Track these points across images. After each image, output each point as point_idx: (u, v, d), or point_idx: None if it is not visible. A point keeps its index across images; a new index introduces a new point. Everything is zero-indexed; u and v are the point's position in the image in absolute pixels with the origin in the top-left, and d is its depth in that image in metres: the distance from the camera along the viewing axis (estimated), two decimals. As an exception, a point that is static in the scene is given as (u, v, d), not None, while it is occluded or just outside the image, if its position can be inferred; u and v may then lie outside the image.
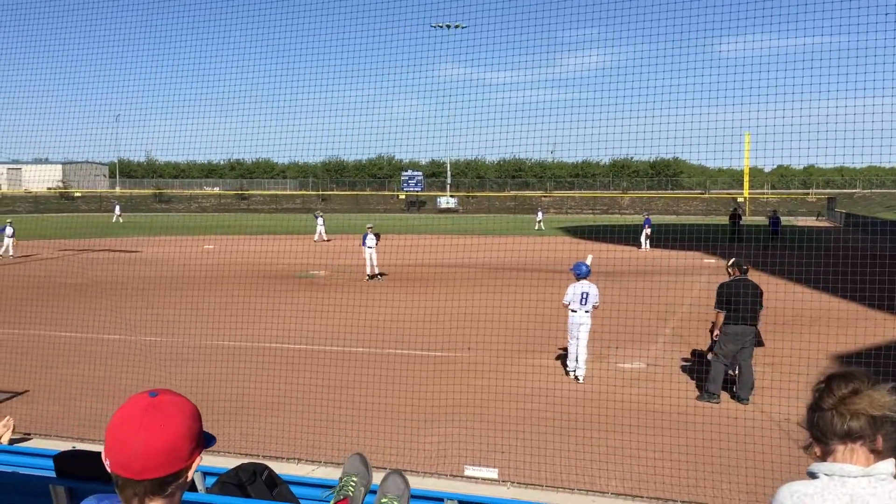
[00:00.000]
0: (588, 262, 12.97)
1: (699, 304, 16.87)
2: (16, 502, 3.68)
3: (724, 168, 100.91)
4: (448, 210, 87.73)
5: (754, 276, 11.24)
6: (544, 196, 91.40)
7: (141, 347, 13.45)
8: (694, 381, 11.61)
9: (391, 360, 12.69)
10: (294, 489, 3.71)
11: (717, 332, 10.72)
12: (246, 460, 4.78)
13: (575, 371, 11.72)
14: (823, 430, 2.31)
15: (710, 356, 10.86)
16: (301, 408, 9.65)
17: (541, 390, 10.80)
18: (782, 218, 48.15)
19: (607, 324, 13.03)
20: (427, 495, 3.94)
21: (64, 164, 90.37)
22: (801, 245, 29.60)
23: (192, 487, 3.58)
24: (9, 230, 31.96)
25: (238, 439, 8.59)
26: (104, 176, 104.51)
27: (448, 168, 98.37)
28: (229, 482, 3.53)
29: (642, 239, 37.88)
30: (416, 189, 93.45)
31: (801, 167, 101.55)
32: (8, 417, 8.36)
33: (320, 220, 42.44)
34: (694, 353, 13.19)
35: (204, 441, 2.00)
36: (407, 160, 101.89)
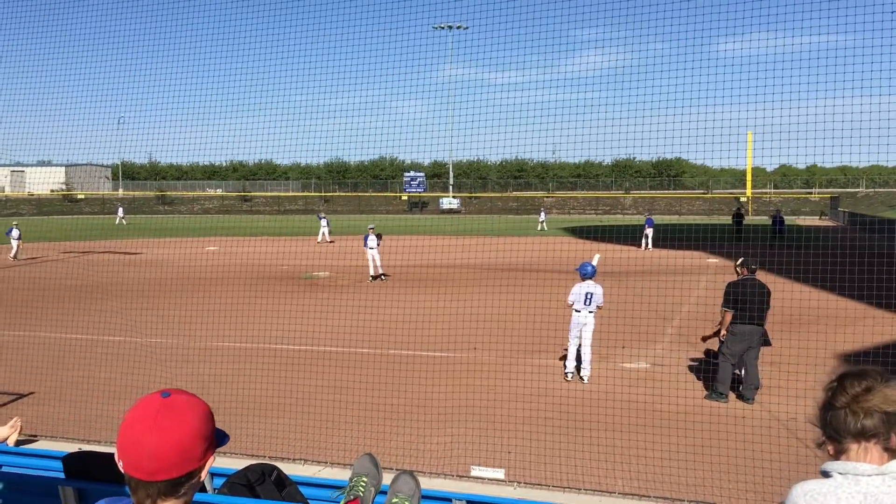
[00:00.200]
0: (595, 261, 12.94)
1: (703, 304, 16.86)
2: (25, 503, 3.68)
3: (727, 168, 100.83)
4: (450, 211, 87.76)
5: (758, 275, 11.21)
6: (547, 196, 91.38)
7: (145, 349, 13.45)
8: (699, 381, 11.60)
9: (396, 360, 12.68)
10: (302, 489, 3.70)
11: (724, 331, 10.70)
12: (253, 461, 4.78)
13: (571, 373, 11.62)
14: (837, 429, 2.30)
15: (720, 357, 10.82)
16: (307, 409, 9.65)
17: (546, 390, 10.80)
18: (786, 218, 48.10)
19: (611, 324, 13.02)
20: (434, 495, 3.94)
21: (67, 166, 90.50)
22: (805, 244, 29.56)
23: (202, 488, 3.58)
24: (15, 232, 32.05)
25: (244, 440, 8.59)
26: (107, 178, 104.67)
27: (450, 169, 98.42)
28: (238, 483, 3.52)
29: (644, 240, 37.90)
30: (418, 190, 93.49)
31: (804, 166, 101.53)
32: (16, 418, 8.36)
33: (324, 222, 42.39)
34: (708, 352, 13.14)
35: (217, 440, 1.99)
36: (409, 161, 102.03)
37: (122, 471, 1.86)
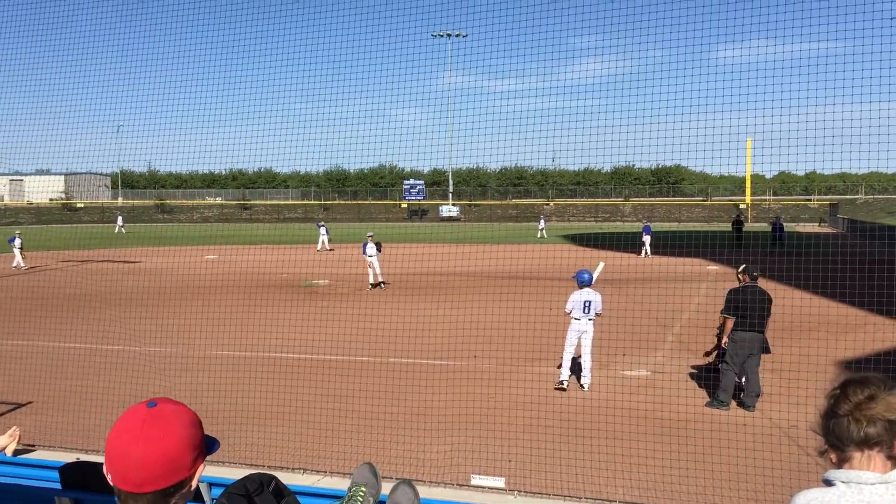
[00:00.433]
0: (599, 269, 12.92)
1: (703, 312, 16.84)
2: (21, 514, 3.65)
3: (726, 175, 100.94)
4: (450, 218, 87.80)
5: (759, 282, 11.19)
6: (546, 204, 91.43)
7: (144, 358, 13.42)
8: (700, 389, 11.56)
9: (396, 369, 12.65)
10: (302, 499, 3.67)
11: (725, 337, 10.67)
12: (252, 471, 4.75)
13: (565, 381, 11.55)
14: (839, 437, 2.28)
15: (722, 366, 10.78)
16: (307, 418, 9.61)
17: (546, 398, 10.77)
18: (785, 224, 48.12)
19: (611, 331, 12.99)
20: (435, 505, 3.90)
21: (66, 175, 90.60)
22: (805, 251, 29.56)
23: (199, 498, 3.55)
24: (17, 241, 32.08)
25: (243, 450, 8.55)
26: (106, 187, 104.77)
27: (450, 177, 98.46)
28: (236, 493, 3.49)
29: (642, 247, 37.93)
30: (418, 198, 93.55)
31: (803, 173, 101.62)
32: (14, 428, 8.32)
33: (323, 230, 42.40)
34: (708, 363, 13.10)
35: (206, 447, 1.97)
36: (409, 169, 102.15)
37: (111, 483, 1.84)
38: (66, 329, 15.59)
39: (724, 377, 10.63)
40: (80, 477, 3.51)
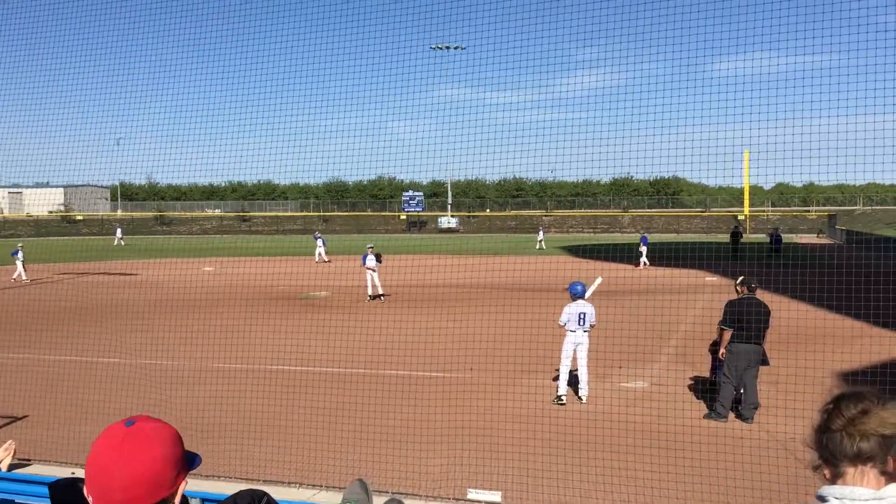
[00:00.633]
0: (595, 284, 12.90)
1: (701, 323, 16.80)
2: (12, 531, 3.62)
3: (724, 186, 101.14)
4: (449, 230, 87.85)
5: (757, 293, 11.17)
6: (545, 215, 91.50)
7: (140, 370, 13.38)
8: (698, 401, 11.54)
9: (393, 381, 12.62)
10: (294, 515, 3.65)
11: (722, 349, 10.65)
12: (245, 485, 4.72)
13: (564, 396, 11.50)
14: (833, 452, 2.26)
15: (721, 378, 10.75)
16: (302, 431, 9.58)
17: (544, 411, 10.74)
18: (783, 236, 48.13)
19: (609, 343, 12.97)
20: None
21: (65, 187, 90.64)
22: (803, 262, 29.57)
23: (191, 514, 3.52)
24: (20, 254, 32.17)
25: (238, 464, 8.52)
26: (105, 199, 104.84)
27: (449, 188, 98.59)
28: (227, 510, 3.47)
29: (640, 258, 37.98)
30: (417, 209, 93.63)
31: (801, 184, 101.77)
32: (9, 442, 8.28)
33: (320, 241, 42.44)
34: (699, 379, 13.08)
35: (188, 463, 1.95)
36: (408, 181, 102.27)
37: None
38: (64, 342, 15.56)
39: (722, 389, 10.61)
40: (72, 493, 3.48)
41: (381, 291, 24.76)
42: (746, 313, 10.47)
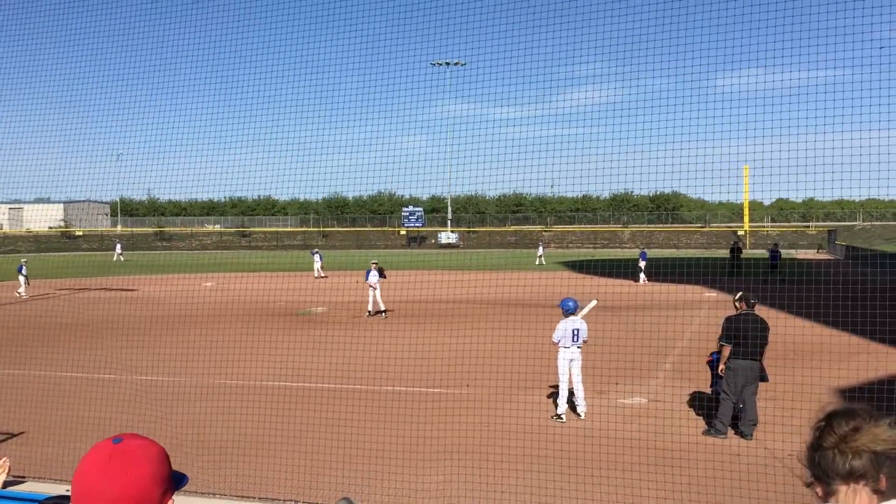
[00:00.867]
0: (590, 306, 12.89)
1: (700, 339, 16.77)
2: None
3: (724, 202, 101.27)
4: (449, 245, 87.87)
5: (756, 309, 11.15)
6: (545, 230, 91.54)
7: (138, 387, 13.34)
8: (697, 417, 11.49)
9: (390, 397, 12.57)
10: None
11: (721, 365, 10.62)
12: (243, 503, 4.70)
13: (564, 414, 11.46)
14: (825, 470, 2.25)
15: (720, 394, 10.71)
16: (299, 447, 9.53)
17: (542, 427, 10.70)
18: (783, 251, 48.12)
19: (608, 359, 12.94)
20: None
21: (65, 203, 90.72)
22: (801, 278, 29.55)
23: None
24: (24, 269, 32.35)
25: (234, 480, 8.48)
26: (106, 215, 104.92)
27: (449, 203, 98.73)
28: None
29: (640, 273, 38.00)
30: (416, 225, 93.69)
31: (801, 200, 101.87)
32: (4, 459, 8.24)
33: (317, 257, 42.56)
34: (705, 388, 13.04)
35: (175, 482, 1.94)
36: (408, 196, 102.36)
37: None
38: (61, 358, 15.52)
39: (721, 405, 10.57)
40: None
41: (382, 307, 24.69)
42: (745, 329, 10.45)
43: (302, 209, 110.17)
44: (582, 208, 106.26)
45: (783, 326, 14.92)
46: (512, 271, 37.36)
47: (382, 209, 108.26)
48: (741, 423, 10.54)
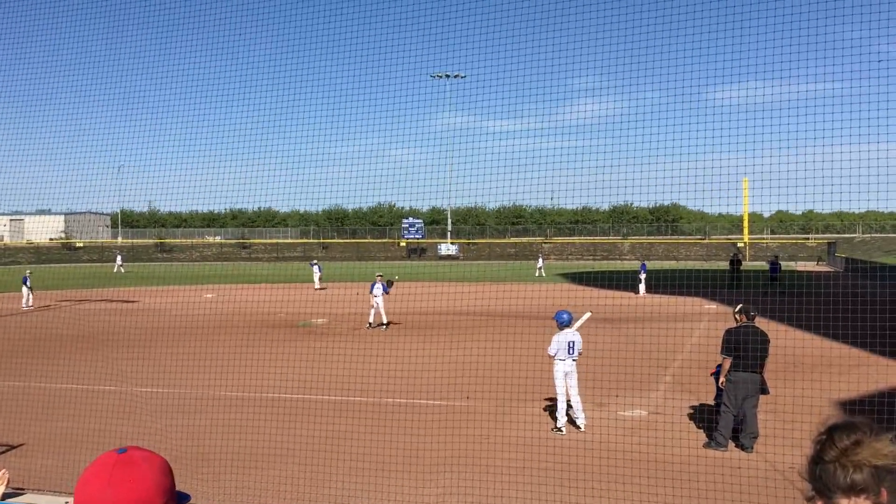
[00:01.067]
0: (584, 319, 12.88)
1: (700, 351, 16.77)
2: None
3: (724, 214, 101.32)
4: (449, 257, 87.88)
5: (757, 321, 11.15)
6: (544, 242, 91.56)
7: (139, 399, 13.33)
8: (698, 429, 11.47)
9: (390, 409, 12.56)
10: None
11: (722, 378, 10.60)
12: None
13: (559, 423, 11.43)
14: (826, 484, 2.25)
15: (721, 407, 10.69)
16: (299, 459, 9.52)
17: (542, 440, 10.68)
18: (783, 263, 48.07)
19: (608, 371, 12.92)
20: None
21: (66, 214, 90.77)
22: (801, 290, 29.55)
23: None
24: (28, 281, 32.43)
25: (234, 492, 8.46)
26: (106, 226, 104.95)
27: (449, 215, 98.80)
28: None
29: (640, 285, 38.02)
30: (416, 236, 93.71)
31: (800, 212, 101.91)
32: (3, 471, 8.22)
33: (316, 268, 42.59)
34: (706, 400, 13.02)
35: (178, 499, 1.94)
36: (408, 208, 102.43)
37: None
38: (62, 370, 15.50)
39: (722, 418, 10.55)
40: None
41: (384, 320, 24.64)
42: (745, 342, 10.44)
43: (302, 221, 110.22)
44: (581, 220, 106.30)
45: (783, 339, 14.91)
46: (512, 283, 37.37)
47: (382, 221, 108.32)
48: (742, 435, 10.51)
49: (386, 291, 24.65)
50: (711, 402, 11.86)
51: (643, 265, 39.39)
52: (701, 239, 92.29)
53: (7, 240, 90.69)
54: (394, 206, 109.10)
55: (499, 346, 15.24)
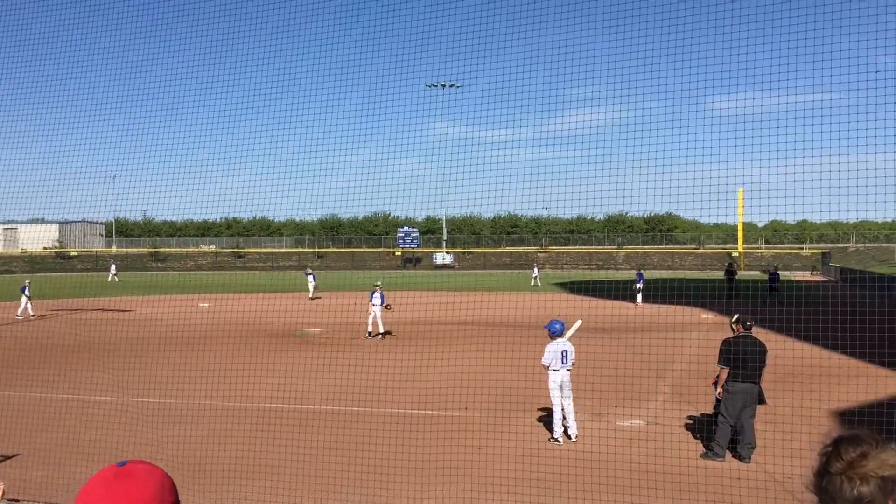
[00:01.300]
0: (575, 327, 12.88)
1: (697, 361, 16.77)
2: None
3: (719, 223, 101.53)
4: (444, 266, 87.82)
5: (754, 331, 11.16)
6: (540, 252, 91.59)
7: (134, 409, 13.27)
8: (695, 440, 11.46)
9: (387, 420, 12.53)
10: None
11: (720, 388, 10.60)
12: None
13: (556, 434, 11.40)
14: (833, 496, 2.25)
15: (718, 417, 10.69)
16: (296, 471, 9.49)
17: (539, 451, 10.65)
18: (780, 273, 48.07)
19: (605, 381, 12.91)
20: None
21: (60, 223, 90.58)
22: (798, 301, 29.62)
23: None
24: (27, 290, 32.29)
25: (231, 504, 8.41)
26: (101, 235, 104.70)
27: (444, 224, 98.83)
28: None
29: (637, 295, 38.04)
30: (412, 246, 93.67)
31: (794, 222, 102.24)
32: (-2, 482, 8.18)
33: (310, 278, 42.55)
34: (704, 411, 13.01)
35: None
36: (403, 217, 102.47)
37: None
38: (57, 379, 15.43)
39: (719, 428, 10.54)
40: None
41: (381, 329, 24.60)
42: (743, 352, 10.44)
43: (297, 230, 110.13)
44: (577, 229, 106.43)
45: (781, 349, 14.92)
46: (508, 293, 37.40)
47: (378, 230, 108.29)
48: (739, 446, 10.51)
49: (385, 305, 24.58)
50: (708, 412, 11.86)
51: (640, 275, 39.30)
52: (696, 248, 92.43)
53: (1, 249, 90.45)
54: (389, 215, 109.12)
55: (495, 356, 15.22)
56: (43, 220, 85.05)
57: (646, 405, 13.75)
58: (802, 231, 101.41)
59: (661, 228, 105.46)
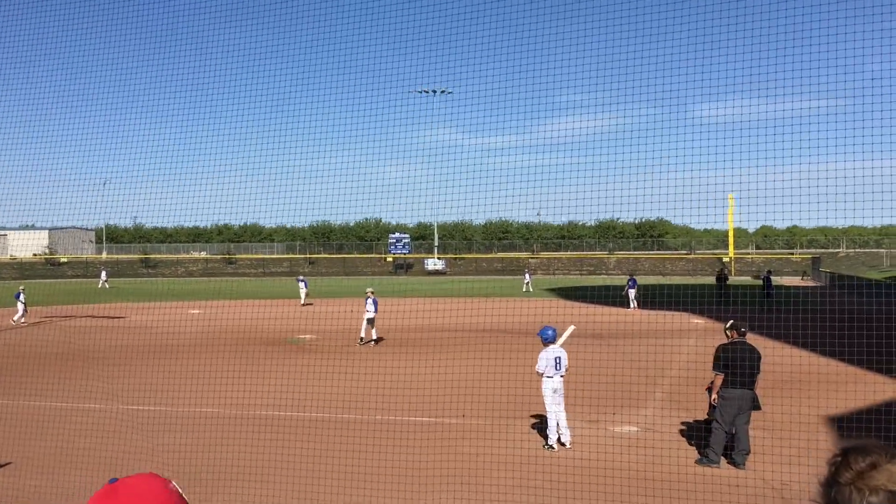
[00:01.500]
0: (568, 333, 12.86)
1: (691, 368, 16.79)
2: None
3: (709, 229, 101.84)
4: (436, 272, 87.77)
5: (748, 337, 11.18)
6: (531, 257, 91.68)
7: (125, 416, 13.19)
8: (690, 446, 11.46)
9: (382, 427, 12.49)
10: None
11: (714, 395, 10.61)
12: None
13: (550, 441, 11.39)
14: (842, 507, 2.24)
15: (713, 423, 10.69)
16: (290, 478, 9.44)
17: (534, 458, 10.64)
18: (773, 279, 48.17)
19: (599, 387, 12.91)
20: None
21: (50, 229, 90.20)
22: (791, 307, 29.71)
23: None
24: (22, 296, 32.11)
25: (226, 513, 8.36)
26: (91, 241, 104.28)
27: (435, 230, 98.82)
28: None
29: (630, 299, 38.13)
30: (403, 252, 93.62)
31: (785, 227, 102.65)
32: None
33: (302, 284, 42.49)
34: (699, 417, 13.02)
35: None
36: (394, 223, 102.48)
37: None
38: (48, 387, 15.33)
39: (713, 434, 10.55)
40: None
41: (374, 336, 24.53)
42: (737, 358, 10.46)
43: (289, 236, 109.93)
44: (568, 235, 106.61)
45: (774, 355, 14.95)
46: (501, 299, 37.35)
47: (369, 236, 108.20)
48: (734, 452, 10.52)
49: (374, 309, 24.54)
50: (703, 417, 11.87)
51: (633, 280, 39.32)
52: (686, 254, 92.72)
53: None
54: (380, 221, 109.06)
55: (488, 363, 15.20)
56: (33, 227, 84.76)
57: (640, 412, 13.75)
58: (792, 236, 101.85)
59: (651, 234, 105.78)
